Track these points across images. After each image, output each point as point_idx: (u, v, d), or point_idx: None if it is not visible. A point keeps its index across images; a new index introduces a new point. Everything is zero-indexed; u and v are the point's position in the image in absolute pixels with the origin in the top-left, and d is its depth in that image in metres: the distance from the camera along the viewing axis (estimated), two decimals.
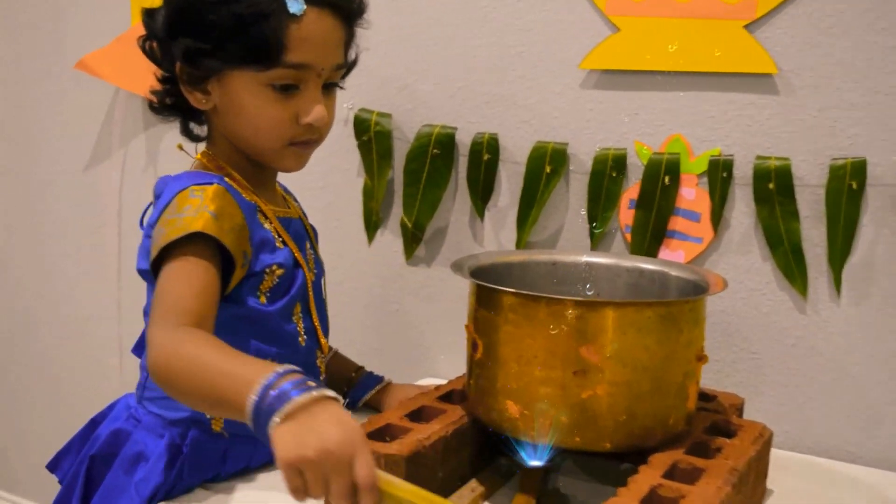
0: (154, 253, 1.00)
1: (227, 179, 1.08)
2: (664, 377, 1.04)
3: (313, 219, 1.71)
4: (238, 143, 1.11)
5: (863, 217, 1.31)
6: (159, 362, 0.90)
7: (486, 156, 1.52)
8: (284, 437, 0.77)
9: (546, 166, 1.47)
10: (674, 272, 1.22)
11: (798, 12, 1.32)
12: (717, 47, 1.36)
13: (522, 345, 1.03)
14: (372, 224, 1.64)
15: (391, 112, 1.60)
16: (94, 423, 1.20)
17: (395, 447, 1.03)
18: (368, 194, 1.63)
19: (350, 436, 0.77)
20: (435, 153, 1.55)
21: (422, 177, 1.56)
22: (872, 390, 1.34)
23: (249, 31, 1.03)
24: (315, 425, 0.77)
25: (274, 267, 1.10)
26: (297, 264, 1.14)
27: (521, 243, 1.50)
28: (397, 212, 1.62)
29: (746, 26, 1.35)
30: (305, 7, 1.04)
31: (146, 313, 1.11)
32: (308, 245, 1.21)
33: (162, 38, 1.08)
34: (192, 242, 0.98)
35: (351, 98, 1.62)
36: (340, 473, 0.76)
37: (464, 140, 1.54)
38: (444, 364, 1.62)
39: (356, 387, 1.34)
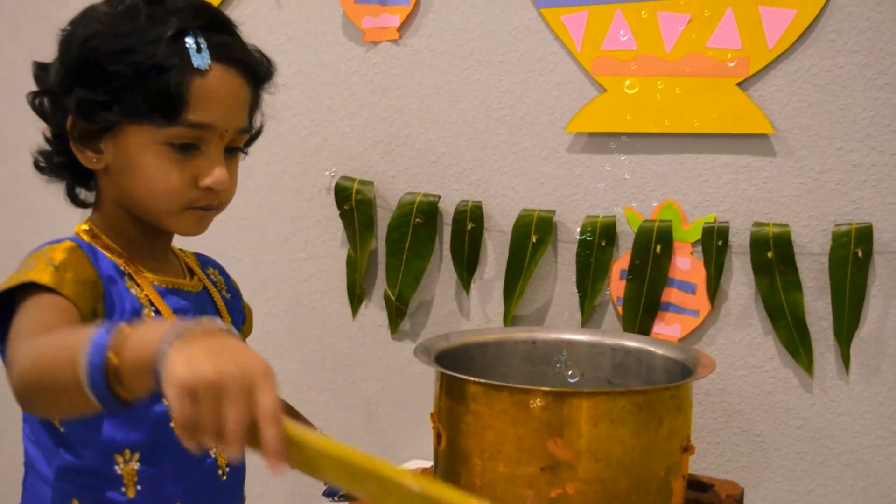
0: None
1: (91, 241, 1.00)
2: (643, 473, 0.94)
3: (295, 291, 1.63)
4: (131, 206, 1.02)
5: (870, 287, 1.22)
6: (18, 378, 0.81)
7: (470, 225, 1.44)
8: (177, 359, 0.66)
9: (532, 235, 1.39)
10: (660, 351, 1.13)
11: (793, 68, 1.24)
12: (710, 107, 1.28)
13: (486, 438, 0.95)
14: (356, 297, 1.57)
15: (373, 179, 1.53)
16: None
17: None
18: (352, 265, 1.56)
19: (253, 361, 0.67)
20: (417, 222, 1.47)
21: (405, 247, 1.49)
22: (887, 475, 1.23)
23: (150, 83, 0.95)
24: (215, 348, 0.67)
25: None
26: None
27: (508, 317, 1.42)
28: (382, 284, 1.54)
29: (739, 84, 1.27)
30: (211, 62, 0.96)
31: None
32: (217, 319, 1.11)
33: (54, 91, 1.01)
34: (32, 293, 0.89)
35: (332, 165, 1.56)
36: (240, 400, 0.65)
37: (447, 208, 1.47)
38: (432, 447, 1.52)
39: None
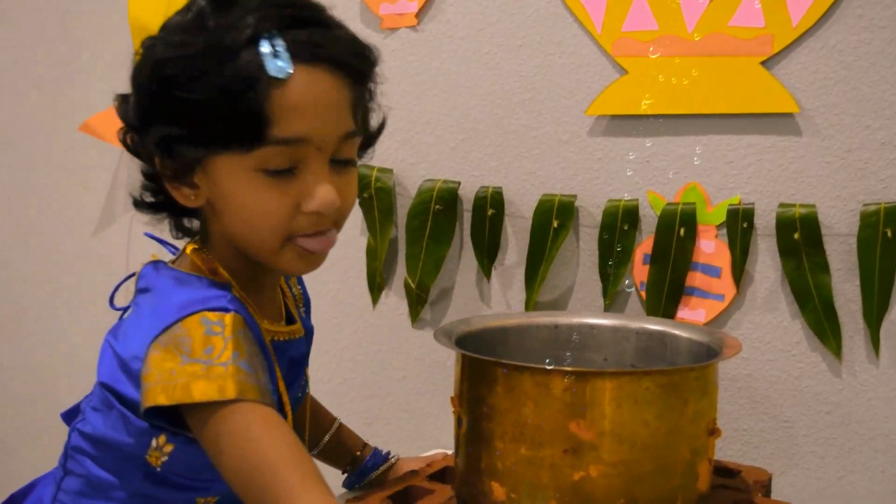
0: (164, 399, 0.82)
1: (234, 292, 0.90)
2: (668, 455, 0.92)
3: (316, 282, 1.62)
4: (235, 242, 0.91)
5: None
6: None
7: (490, 211, 1.42)
8: None
9: (553, 220, 1.37)
10: (685, 334, 1.10)
11: (819, 46, 1.22)
12: (733, 87, 1.26)
13: (507, 420, 0.93)
14: (376, 286, 1.55)
15: (392, 167, 1.51)
16: (12, 502, 1.06)
17: None
18: (371, 254, 1.54)
19: None
20: (437, 209, 1.46)
21: (424, 234, 1.47)
22: None
23: (227, 104, 0.83)
24: None
25: None
26: (278, 406, 0.93)
27: (530, 303, 1.40)
28: (402, 272, 1.52)
29: (763, 63, 1.24)
30: (291, 67, 0.84)
31: (68, 418, 0.99)
32: (304, 369, 1.05)
33: (136, 127, 0.89)
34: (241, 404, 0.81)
35: (373, 149, 1.54)
36: None
37: (467, 194, 1.45)
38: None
39: (362, 466, 1.22)
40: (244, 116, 0.83)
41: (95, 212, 1.97)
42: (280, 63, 0.83)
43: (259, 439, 0.80)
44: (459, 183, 1.46)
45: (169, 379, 0.82)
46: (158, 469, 0.91)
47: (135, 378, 0.86)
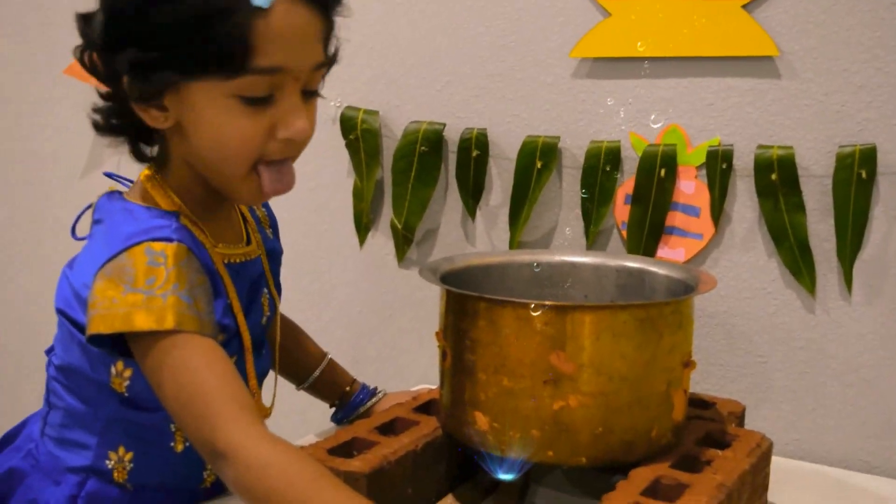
0: (105, 328, 0.85)
1: (182, 219, 0.93)
2: (645, 386, 0.96)
3: (303, 222, 1.64)
4: (199, 167, 0.94)
5: (874, 208, 1.22)
6: (262, 484, 0.79)
7: (475, 152, 1.45)
8: None
9: (537, 161, 1.39)
10: (662, 271, 1.14)
11: None
12: (715, 29, 1.27)
13: (489, 353, 0.96)
14: (363, 226, 1.58)
15: (378, 109, 1.53)
16: (4, 441, 1.10)
17: (357, 463, 0.96)
18: (358, 195, 1.57)
19: None
20: (423, 151, 1.48)
21: (410, 176, 1.49)
22: (888, 395, 1.24)
23: (206, 32, 0.84)
24: None
25: (217, 335, 0.92)
26: (234, 329, 0.98)
27: (513, 243, 1.43)
28: (389, 212, 1.55)
29: (744, 6, 1.26)
30: None
31: (49, 352, 1.02)
32: (265, 289, 1.06)
33: (102, 47, 0.90)
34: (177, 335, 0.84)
35: (337, 95, 1.56)
36: None
37: (452, 136, 1.47)
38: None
39: (350, 401, 1.26)
40: (227, 45, 0.84)
41: (83, 154, 1.98)
42: None
43: (196, 370, 0.84)
44: (444, 125, 1.48)
45: (110, 307, 0.85)
46: (126, 394, 0.95)
47: (85, 306, 0.89)
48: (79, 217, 1.00)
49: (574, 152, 1.39)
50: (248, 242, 1.05)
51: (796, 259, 1.26)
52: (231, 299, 0.97)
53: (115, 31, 0.88)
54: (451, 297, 1.02)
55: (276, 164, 0.93)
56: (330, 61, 0.96)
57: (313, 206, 1.63)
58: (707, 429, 1.08)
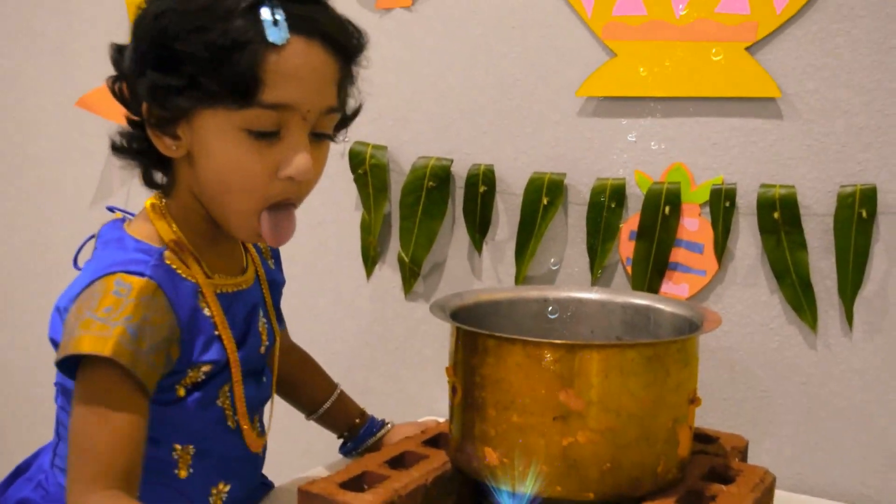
0: (61, 353, 0.88)
1: (167, 254, 0.95)
2: (652, 423, 0.98)
3: (311, 254, 1.66)
4: (204, 198, 0.96)
5: (874, 246, 1.25)
6: None
7: (482, 188, 1.47)
8: None
9: (543, 198, 1.42)
10: (668, 308, 1.16)
11: (801, 33, 1.26)
12: (718, 71, 1.30)
13: (500, 389, 0.98)
14: (370, 259, 1.60)
15: (387, 144, 1.56)
16: (18, 472, 1.11)
17: (369, 497, 0.98)
18: (366, 228, 1.59)
19: None
20: (431, 186, 1.50)
21: (418, 210, 1.52)
22: (890, 429, 1.26)
23: (222, 62, 0.87)
24: None
25: (202, 366, 0.96)
26: (223, 360, 0.99)
27: (519, 277, 1.45)
28: (396, 246, 1.57)
29: (748, 48, 1.29)
30: (289, 35, 0.88)
31: (57, 383, 1.02)
32: (261, 314, 1.08)
33: (129, 75, 0.93)
34: (105, 362, 0.86)
35: (346, 130, 1.58)
36: None
37: (460, 172, 1.50)
38: (446, 402, 1.56)
39: (359, 434, 1.28)
40: (238, 76, 0.87)
41: (92, 184, 2.00)
42: (279, 30, 0.87)
43: (99, 412, 0.86)
44: (452, 160, 1.50)
45: (69, 333, 0.87)
46: None
47: None
48: (81, 248, 1.02)
49: (579, 189, 1.42)
50: (246, 271, 1.07)
51: (798, 296, 1.28)
52: (220, 331, 0.98)
53: (139, 57, 0.91)
54: (461, 334, 1.04)
55: (277, 212, 0.94)
56: (346, 112, 0.98)
57: (321, 239, 1.66)
58: (711, 463, 1.09)
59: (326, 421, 1.26)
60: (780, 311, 1.31)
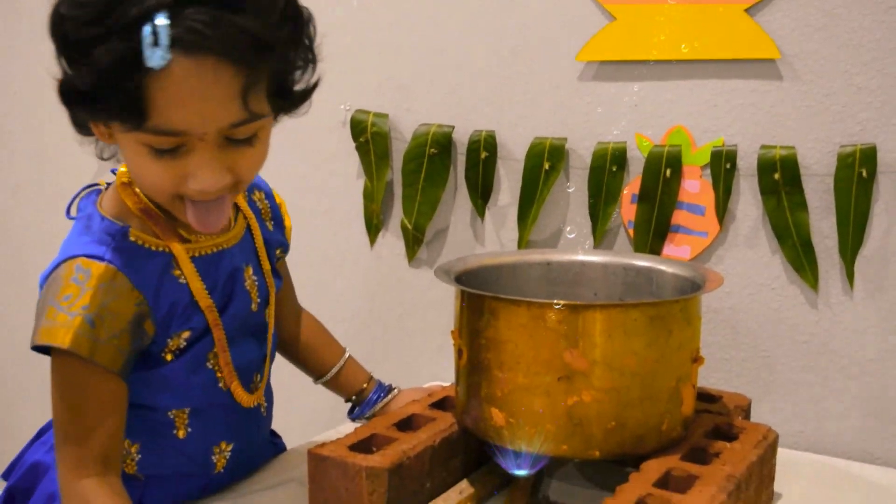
0: (32, 341, 0.90)
1: (132, 231, 0.93)
2: (655, 382, 0.99)
3: (315, 222, 1.67)
4: None
5: (874, 206, 1.25)
6: None
7: (483, 154, 1.48)
8: None
9: (545, 163, 1.42)
10: (670, 269, 1.17)
11: None
12: (718, 33, 1.30)
13: (504, 350, 0.99)
14: (373, 227, 1.61)
15: (388, 112, 1.56)
16: (38, 434, 1.14)
17: (378, 459, 0.99)
18: (369, 196, 1.60)
19: None
20: (432, 153, 1.51)
21: (420, 177, 1.52)
22: (890, 387, 1.28)
23: (105, 86, 0.79)
24: None
25: (182, 332, 0.97)
26: (202, 325, 0.99)
27: (522, 242, 1.46)
28: (398, 213, 1.58)
29: (747, 10, 1.29)
30: (169, 57, 0.77)
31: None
32: (251, 271, 1.06)
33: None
34: (67, 353, 0.88)
35: (347, 99, 1.59)
36: None
37: (461, 138, 1.51)
38: (451, 368, 1.57)
39: (367, 399, 1.29)
40: (122, 103, 0.80)
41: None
42: (158, 52, 0.77)
43: (70, 401, 0.91)
44: (454, 127, 1.51)
45: (37, 320, 0.91)
46: None
47: None
48: (74, 198, 1.01)
49: (581, 153, 1.42)
50: (232, 228, 1.05)
51: (799, 256, 1.29)
52: (198, 298, 0.98)
53: (55, 42, 0.85)
54: (466, 297, 1.05)
55: (205, 202, 0.90)
56: (257, 117, 0.86)
57: (324, 208, 1.67)
58: (715, 422, 1.11)
59: (334, 385, 1.28)
60: (781, 271, 1.32)
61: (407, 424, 1.12)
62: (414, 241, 1.57)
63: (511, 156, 1.48)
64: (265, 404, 1.13)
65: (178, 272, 0.97)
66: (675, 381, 1.01)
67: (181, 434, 1.03)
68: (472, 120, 1.50)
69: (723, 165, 1.32)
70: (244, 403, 1.06)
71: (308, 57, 0.91)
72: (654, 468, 0.97)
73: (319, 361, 1.27)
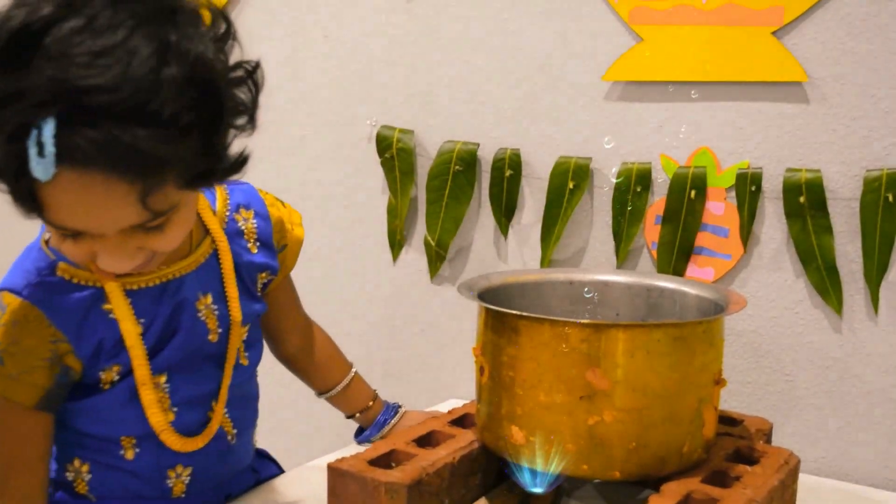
0: None
1: (61, 265, 0.92)
2: (677, 403, 0.99)
3: (338, 238, 1.67)
4: None
5: None
6: None
7: (508, 172, 1.48)
8: None
9: (569, 182, 1.43)
10: (693, 291, 1.17)
11: (828, 17, 1.26)
12: (745, 55, 1.31)
13: (526, 368, 0.99)
14: (396, 242, 1.62)
15: (413, 128, 1.57)
16: None
17: (397, 475, 0.99)
18: (392, 212, 1.60)
19: None
20: (457, 170, 1.52)
21: (444, 194, 1.53)
22: None
23: (5, 179, 0.77)
24: None
25: (113, 367, 0.95)
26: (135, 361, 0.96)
27: (545, 261, 1.46)
28: (422, 230, 1.59)
29: (774, 33, 1.29)
30: (54, 170, 0.73)
31: None
32: (209, 299, 1.02)
33: None
34: None
35: (373, 115, 1.60)
36: None
37: (486, 156, 1.51)
38: (469, 385, 1.57)
39: (376, 421, 1.29)
40: (18, 198, 0.78)
41: None
42: (42, 165, 0.73)
43: None
44: (479, 144, 1.51)
45: None
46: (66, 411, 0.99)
47: None
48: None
49: (605, 173, 1.43)
50: (190, 255, 1.01)
51: (824, 280, 1.29)
52: (123, 334, 0.95)
53: None
54: (489, 314, 1.05)
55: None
56: (163, 213, 0.81)
57: (347, 222, 1.68)
58: (736, 445, 1.10)
59: (338, 401, 1.27)
60: (805, 294, 1.31)
61: (426, 441, 1.12)
62: (437, 257, 1.57)
63: (535, 174, 1.48)
64: (233, 432, 1.08)
65: (108, 306, 0.94)
66: (698, 403, 1.01)
67: (129, 455, 1.00)
68: (497, 137, 1.51)
69: (748, 188, 1.32)
70: (178, 448, 1.00)
71: (242, 123, 0.84)
72: (674, 490, 0.97)
73: (325, 376, 1.26)
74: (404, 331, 1.66)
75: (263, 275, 1.09)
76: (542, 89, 1.47)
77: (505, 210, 1.50)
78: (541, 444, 0.99)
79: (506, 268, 1.53)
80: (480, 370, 1.07)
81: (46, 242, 0.94)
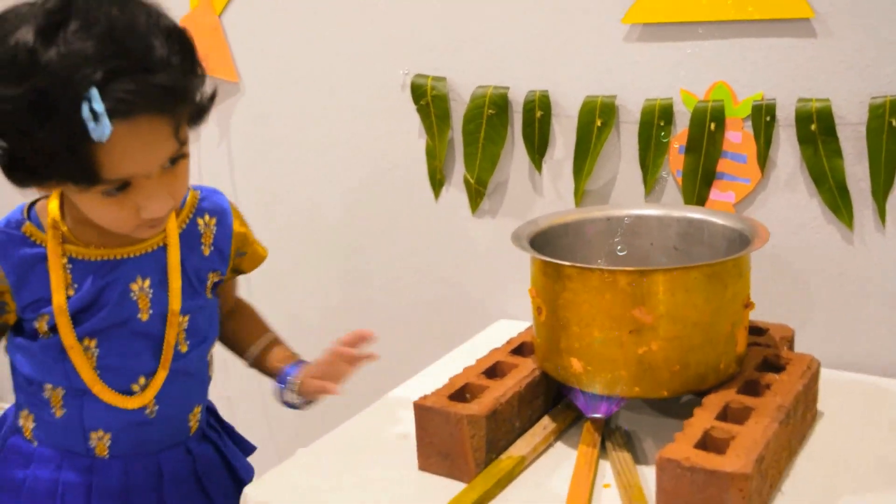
0: None
1: (25, 226, 1.09)
2: (713, 329, 1.14)
3: (380, 182, 1.78)
4: None
5: None
6: None
7: (538, 113, 1.60)
8: None
9: (597, 119, 1.55)
10: (720, 221, 1.30)
11: None
12: None
13: (581, 310, 1.14)
14: (437, 182, 1.74)
15: (445, 76, 1.68)
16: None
17: (476, 408, 1.15)
18: (431, 154, 1.72)
19: None
20: (490, 113, 1.63)
21: (480, 136, 1.65)
22: None
23: (53, 161, 0.92)
24: None
25: (43, 316, 1.11)
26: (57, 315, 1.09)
27: (578, 192, 1.59)
28: (460, 169, 1.71)
29: None
30: (111, 128, 0.88)
31: None
32: (148, 283, 1.14)
33: None
34: None
35: (406, 64, 1.71)
36: None
37: (517, 98, 1.62)
38: (516, 307, 1.72)
39: (280, 376, 1.28)
40: (72, 171, 0.92)
41: None
42: (100, 127, 0.87)
43: None
44: (509, 88, 1.63)
45: None
46: (15, 363, 1.16)
47: None
48: None
49: (630, 109, 1.54)
50: (138, 243, 1.14)
51: (835, 198, 1.42)
52: (53, 290, 1.09)
53: None
54: (543, 263, 1.19)
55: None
56: (185, 141, 0.99)
57: (388, 166, 1.80)
58: (764, 354, 1.26)
59: (260, 367, 1.32)
60: (818, 212, 1.45)
61: (493, 371, 1.27)
62: (477, 194, 1.70)
63: (564, 113, 1.60)
64: (154, 408, 1.17)
65: (48, 268, 1.09)
66: (731, 326, 1.16)
67: (58, 413, 1.15)
68: (526, 80, 1.62)
69: (763, 118, 1.44)
70: (108, 401, 1.13)
71: (201, 72, 1.01)
72: (714, 402, 1.12)
73: (245, 343, 1.32)
74: (450, 261, 1.79)
75: (213, 275, 1.22)
76: (566, 34, 1.57)
77: (538, 148, 1.62)
78: (597, 372, 1.15)
79: (541, 200, 1.66)
80: (538, 310, 1.22)
81: (28, 211, 1.11)
